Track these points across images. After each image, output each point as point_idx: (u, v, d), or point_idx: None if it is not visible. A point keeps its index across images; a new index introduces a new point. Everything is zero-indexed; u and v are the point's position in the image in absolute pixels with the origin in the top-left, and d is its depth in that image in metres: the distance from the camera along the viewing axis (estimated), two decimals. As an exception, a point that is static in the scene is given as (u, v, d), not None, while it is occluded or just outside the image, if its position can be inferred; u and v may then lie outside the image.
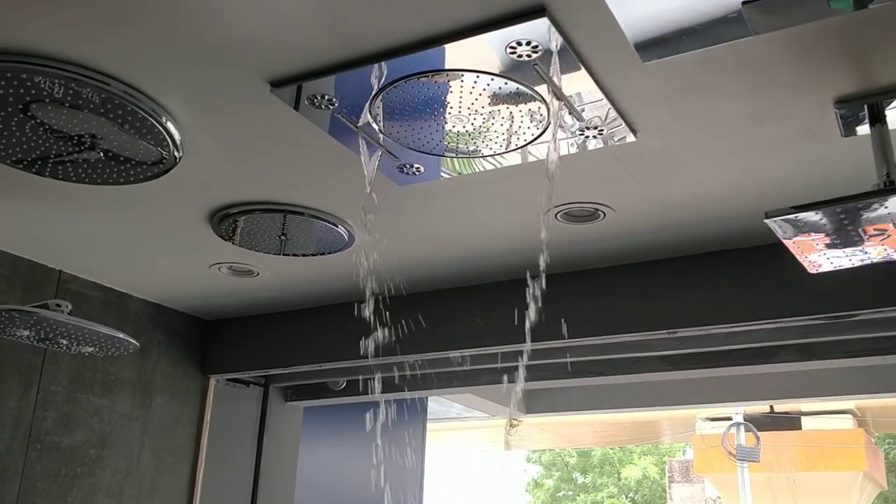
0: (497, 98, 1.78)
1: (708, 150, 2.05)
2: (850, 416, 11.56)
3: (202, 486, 3.56)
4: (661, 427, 12.58)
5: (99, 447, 3.20)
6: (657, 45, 1.59)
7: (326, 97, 1.84)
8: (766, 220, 1.69)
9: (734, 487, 11.38)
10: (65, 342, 2.41)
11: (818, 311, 2.56)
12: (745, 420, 10.85)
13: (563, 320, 2.83)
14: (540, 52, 1.60)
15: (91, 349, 2.50)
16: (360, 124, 1.94)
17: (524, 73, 1.68)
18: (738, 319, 2.67)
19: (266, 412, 3.93)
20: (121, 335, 2.42)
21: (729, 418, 11.09)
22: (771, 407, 11.07)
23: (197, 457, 3.59)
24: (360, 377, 3.64)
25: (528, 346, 2.95)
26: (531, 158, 2.09)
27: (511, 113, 1.84)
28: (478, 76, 1.70)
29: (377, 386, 3.61)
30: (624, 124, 1.89)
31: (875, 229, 1.74)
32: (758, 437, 10.40)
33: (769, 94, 1.79)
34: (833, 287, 2.47)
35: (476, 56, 1.64)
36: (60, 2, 1.54)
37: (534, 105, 1.80)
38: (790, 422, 11.71)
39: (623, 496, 20.18)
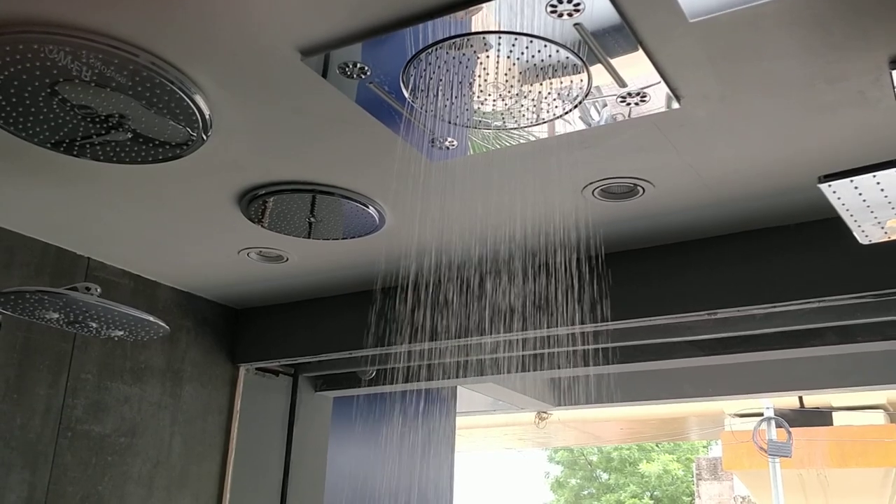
0: (534, 65, 1.71)
1: (754, 118, 1.97)
2: (882, 411, 11.35)
3: (232, 475, 3.53)
4: (688, 423, 12.43)
5: (129, 435, 3.18)
6: (704, 1, 1.52)
7: (358, 66, 1.78)
8: (819, 185, 1.62)
9: (764, 484, 11.21)
10: (94, 325, 2.37)
11: (865, 288, 2.46)
12: (775, 415, 10.68)
13: (598, 303, 2.76)
14: (582, 10, 1.54)
15: (120, 333, 2.47)
16: (392, 94, 1.88)
17: (564, 35, 1.62)
18: (781, 299, 2.58)
19: (296, 402, 3.90)
20: (150, 318, 2.38)
21: (758, 414, 10.92)
22: (801, 402, 10.90)
23: (227, 446, 3.56)
24: (390, 366, 3.59)
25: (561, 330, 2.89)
26: (568, 129, 2.03)
27: (549, 81, 1.77)
28: (515, 38, 1.64)
29: (407, 375, 3.56)
30: (667, 89, 1.82)
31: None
32: (789, 432, 10.23)
33: (819, 55, 1.71)
34: (882, 263, 2.39)
35: (514, 17, 1.58)
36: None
37: (573, 71, 1.73)
38: (821, 417, 11.52)
39: (646, 494, 20.01)
